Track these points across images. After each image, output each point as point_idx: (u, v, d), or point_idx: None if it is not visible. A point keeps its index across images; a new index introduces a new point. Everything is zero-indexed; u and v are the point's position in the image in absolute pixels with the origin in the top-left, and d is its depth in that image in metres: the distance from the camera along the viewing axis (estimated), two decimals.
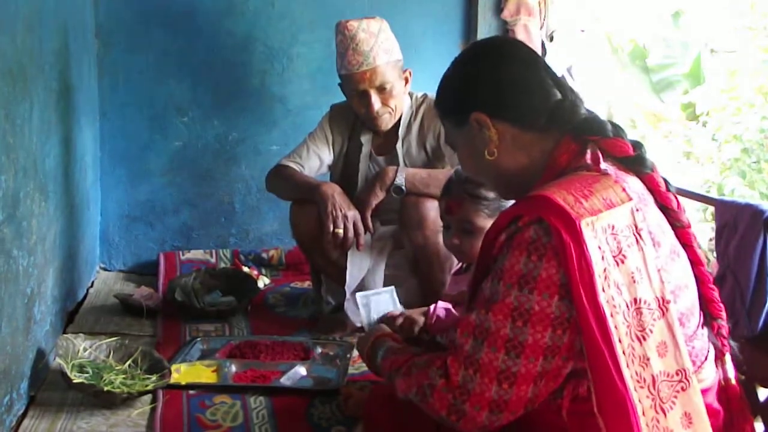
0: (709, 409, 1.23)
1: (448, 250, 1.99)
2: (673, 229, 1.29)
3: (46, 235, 2.19)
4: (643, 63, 6.17)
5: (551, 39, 3.35)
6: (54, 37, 2.37)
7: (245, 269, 3.22)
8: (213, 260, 3.34)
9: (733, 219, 2.07)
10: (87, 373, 2.05)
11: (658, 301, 1.18)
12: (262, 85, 3.35)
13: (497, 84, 1.33)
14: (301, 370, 2.24)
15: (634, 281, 1.16)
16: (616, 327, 1.13)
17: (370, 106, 2.55)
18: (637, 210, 1.21)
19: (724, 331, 1.34)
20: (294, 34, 3.33)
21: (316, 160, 2.73)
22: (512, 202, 1.91)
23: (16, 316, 1.88)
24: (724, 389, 1.33)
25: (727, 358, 1.35)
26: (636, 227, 1.19)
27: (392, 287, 2.06)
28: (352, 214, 2.47)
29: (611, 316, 1.13)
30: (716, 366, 1.33)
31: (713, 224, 2.25)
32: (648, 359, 1.16)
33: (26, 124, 1.97)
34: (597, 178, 1.23)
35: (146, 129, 3.31)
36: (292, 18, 3.31)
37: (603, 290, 1.13)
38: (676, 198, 1.32)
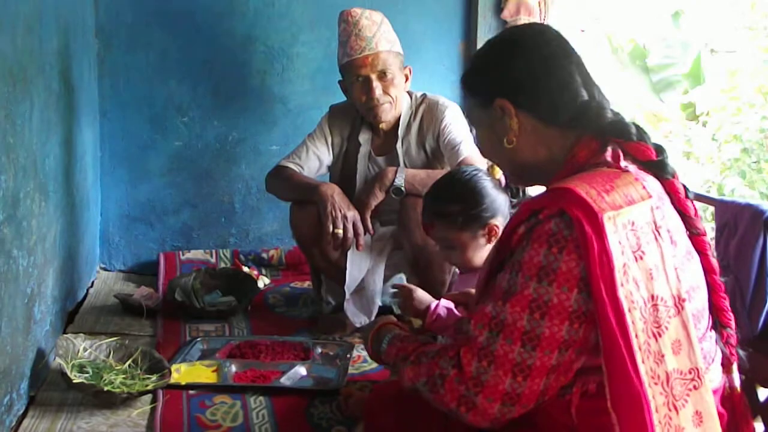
0: None
1: None
2: (689, 235, 1.30)
3: (46, 235, 2.19)
4: (643, 63, 6.16)
5: None
6: (54, 37, 2.37)
7: (245, 269, 3.22)
8: (213, 260, 3.34)
9: (733, 219, 2.07)
10: (87, 373, 2.05)
11: (674, 298, 1.19)
12: (262, 85, 3.36)
13: (527, 76, 1.32)
14: (301, 370, 2.24)
15: (652, 278, 1.17)
16: (633, 322, 1.13)
17: (371, 91, 2.54)
18: (657, 208, 1.22)
19: (733, 341, 1.34)
20: (294, 34, 3.33)
21: (316, 161, 2.73)
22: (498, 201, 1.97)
23: (16, 316, 1.88)
24: (729, 396, 1.33)
25: (734, 367, 1.35)
26: (655, 224, 1.20)
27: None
28: (352, 214, 2.47)
29: (629, 311, 1.13)
30: (723, 372, 1.33)
31: (713, 224, 2.25)
32: (663, 356, 1.16)
33: (26, 124, 1.98)
34: (618, 175, 1.23)
35: (146, 129, 3.31)
36: (292, 18, 3.32)
37: (622, 285, 1.13)
38: (693, 205, 1.32)
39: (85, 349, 2.17)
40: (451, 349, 1.25)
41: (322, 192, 2.49)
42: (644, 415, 1.13)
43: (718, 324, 1.34)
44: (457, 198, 2.01)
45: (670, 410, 1.16)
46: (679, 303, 1.19)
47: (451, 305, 1.83)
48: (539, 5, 3.30)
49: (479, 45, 3.37)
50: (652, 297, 1.16)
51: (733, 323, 1.35)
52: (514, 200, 2.13)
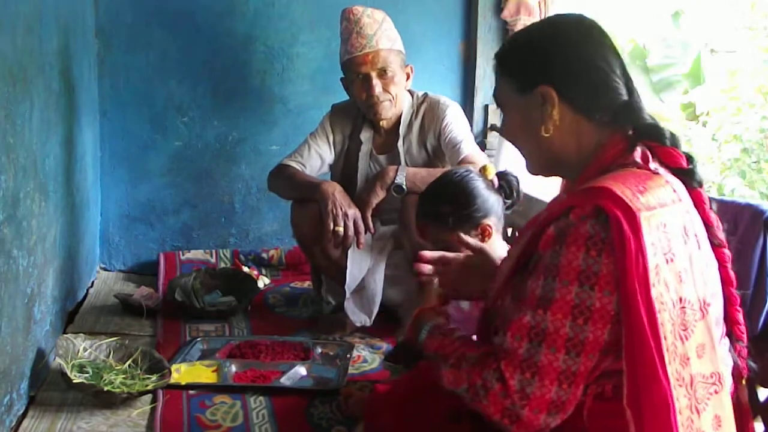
0: None
1: None
2: (711, 246, 1.30)
3: (46, 235, 2.19)
4: (643, 63, 6.17)
5: None
6: (54, 37, 2.37)
7: (245, 269, 3.22)
8: (213, 260, 3.34)
9: (733, 219, 2.07)
10: (87, 373, 2.05)
11: (700, 302, 1.19)
12: (262, 85, 3.36)
13: (577, 66, 1.29)
14: (301, 370, 2.24)
15: (681, 281, 1.16)
16: (662, 324, 1.13)
17: (371, 89, 2.55)
18: (687, 212, 1.22)
19: (744, 354, 1.34)
20: (294, 34, 3.33)
21: (318, 159, 2.73)
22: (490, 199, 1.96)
23: (16, 316, 1.88)
24: (738, 405, 1.33)
25: (743, 381, 1.35)
26: (685, 228, 1.20)
27: None
28: (353, 212, 2.47)
29: (659, 312, 1.13)
30: (732, 382, 1.33)
31: None
32: (688, 359, 1.16)
33: (26, 124, 1.97)
34: (649, 176, 1.22)
35: (146, 129, 3.31)
36: (292, 18, 3.32)
37: (654, 285, 1.13)
38: (717, 216, 1.32)
39: (85, 349, 2.17)
40: (493, 360, 1.22)
41: (323, 190, 2.49)
42: (670, 417, 1.12)
43: (732, 336, 1.34)
44: (448, 199, 2.02)
45: (692, 413, 1.16)
46: (704, 307, 1.19)
47: (462, 304, 1.82)
48: (539, 5, 3.30)
49: (479, 45, 3.42)
50: (681, 300, 1.16)
51: (745, 337, 1.35)
52: (508, 201, 2.13)
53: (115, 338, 2.34)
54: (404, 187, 2.45)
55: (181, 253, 3.35)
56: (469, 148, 2.54)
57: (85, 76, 2.94)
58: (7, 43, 1.81)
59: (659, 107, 6.03)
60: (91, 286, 3.08)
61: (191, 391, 2.11)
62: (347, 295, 2.54)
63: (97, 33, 3.18)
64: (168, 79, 3.28)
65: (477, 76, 3.44)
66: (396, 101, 2.60)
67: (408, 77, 2.66)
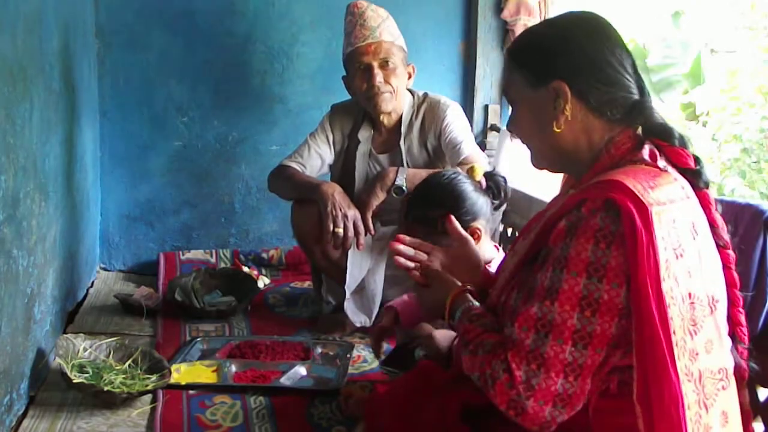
0: None
1: None
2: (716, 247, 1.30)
3: (46, 235, 2.19)
4: (643, 63, 6.16)
5: None
6: (54, 37, 2.36)
7: (245, 269, 3.22)
8: (213, 260, 3.34)
9: (733, 219, 2.07)
10: (87, 373, 2.04)
11: (709, 298, 1.19)
12: (262, 85, 3.35)
13: (592, 63, 1.29)
14: (301, 370, 2.24)
15: (690, 276, 1.17)
16: (671, 318, 1.13)
17: (372, 78, 2.56)
18: (694, 209, 1.23)
19: (746, 356, 1.35)
20: (294, 34, 3.33)
21: (318, 160, 2.74)
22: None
23: (16, 316, 1.88)
24: (739, 406, 1.33)
25: (745, 383, 1.35)
26: (693, 225, 1.21)
27: None
28: (353, 213, 2.47)
29: (669, 307, 1.13)
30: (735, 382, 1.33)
31: None
32: (697, 354, 1.16)
33: (26, 124, 1.97)
34: (658, 173, 1.23)
35: (146, 129, 3.31)
36: (292, 18, 3.32)
37: (664, 280, 1.13)
38: (722, 218, 1.32)
39: (85, 349, 2.17)
40: (501, 350, 1.22)
41: (322, 191, 2.49)
42: (679, 412, 1.13)
43: (734, 338, 1.34)
44: (436, 202, 2.01)
45: (700, 408, 1.16)
46: (712, 303, 1.20)
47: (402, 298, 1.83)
48: (539, 5, 3.31)
49: (479, 45, 3.42)
50: (690, 295, 1.17)
51: (747, 339, 1.35)
52: (496, 201, 2.13)
53: (115, 338, 2.34)
54: (405, 188, 2.45)
55: (181, 253, 3.35)
56: (469, 148, 2.55)
57: (85, 76, 2.94)
58: (7, 43, 1.81)
59: (659, 107, 6.02)
60: (91, 286, 3.08)
61: (191, 391, 2.11)
62: (347, 295, 2.54)
63: (97, 33, 3.18)
64: (168, 79, 3.28)
65: (477, 76, 3.44)
66: (396, 94, 2.60)
67: (410, 76, 2.67)
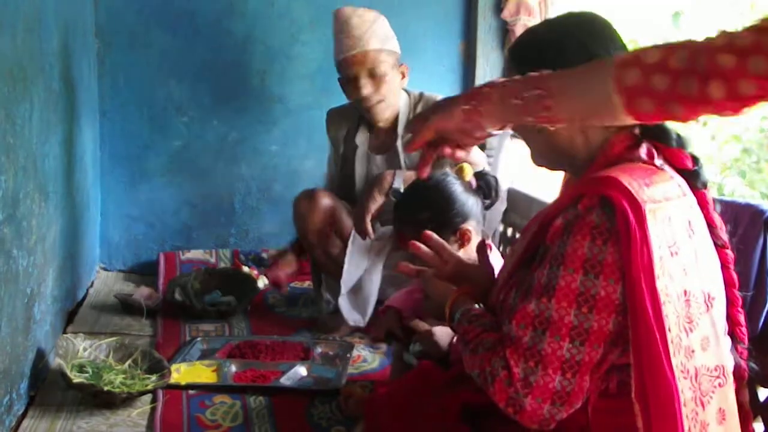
0: None
1: None
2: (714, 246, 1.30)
3: (45, 235, 2.19)
4: None
5: None
6: (54, 37, 2.36)
7: (245, 269, 3.22)
8: (213, 260, 3.34)
9: (733, 219, 2.07)
10: (87, 373, 2.04)
11: (705, 296, 1.19)
12: (262, 85, 3.35)
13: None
14: (301, 370, 2.24)
15: (686, 273, 1.17)
16: (667, 315, 1.13)
17: (358, 90, 2.56)
18: (691, 207, 1.23)
19: (745, 356, 1.35)
20: (294, 34, 3.33)
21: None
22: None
23: (16, 316, 1.88)
24: (739, 406, 1.33)
25: (744, 382, 1.35)
26: (689, 223, 1.21)
27: None
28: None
29: (663, 304, 1.13)
30: (734, 381, 1.33)
31: None
32: (693, 351, 1.16)
33: (26, 124, 1.97)
34: (655, 171, 1.23)
35: (146, 129, 3.31)
36: (291, 18, 3.32)
37: (658, 277, 1.13)
38: (720, 218, 1.32)
39: (84, 349, 2.16)
40: (500, 346, 1.23)
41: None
42: (674, 409, 1.13)
43: (733, 338, 1.34)
44: (424, 205, 2.00)
45: (697, 405, 1.16)
46: (708, 300, 1.20)
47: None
48: (539, 5, 3.30)
49: (479, 45, 3.42)
50: (686, 292, 1.17)
51: (746, 339, 1.35)
52: (487, 201, 2.12)
53: (115, 338, 2.34)
54: (402, 190, 2.45)
55: (180, 253, 3.35)
56: None
57: (85, 76, 2.94)
58: (7, 43, 1.81)
59: None
60: (91, 286, 3.08)
61: (191, 391, 2.11)
62: (342, 291, 2.55)
63: (97, 33, 3.18)
64: (168, 79, 3.28)
65: (477, 76, 3.44)
66: (389, 101, 2.60)
67: (403, 76, 2.65)
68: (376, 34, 2.56)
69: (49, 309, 2.26)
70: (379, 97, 2.57)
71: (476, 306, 1.44)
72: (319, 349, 2.41)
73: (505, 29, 3.40)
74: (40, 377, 2.11)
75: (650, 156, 1.27)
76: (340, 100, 2.81)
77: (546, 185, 2.63)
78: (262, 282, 3.17)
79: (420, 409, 1.47)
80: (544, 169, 1.44)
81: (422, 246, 1.59)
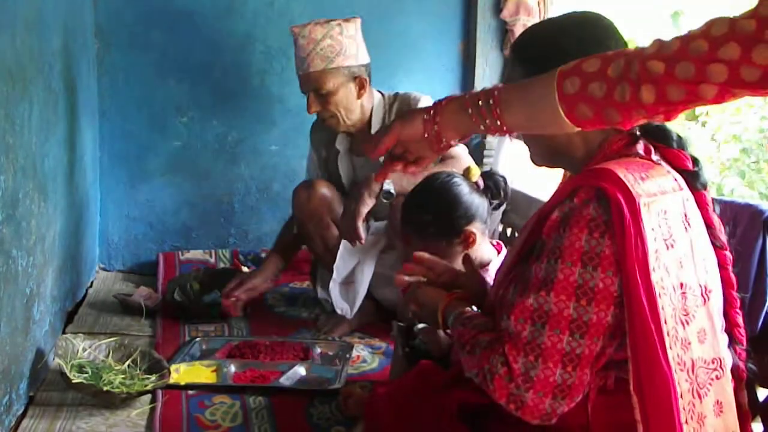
0: None
1: None
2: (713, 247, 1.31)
3: (45, 235, 2.19)
4: None
5: None
6: (54, 37, 2.36)
7: (245, 269, 3.22)
8: (212, 260, 3.34)
9: (733, 219, 2.07)
10: (86, 373, 2.04)
11: (701, 288, 1.20)
12: (262, 85, 3.36)
13: None
14: (301, 370, 2.24)
15: (682, 266, 1.18)
16: (662, 308, 1.14)
17: (308, 107, 2.61)
18: (687, 200, 1.23)
19: (743, 357, 1.35)
20: None
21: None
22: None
23: (16, 316, 1.88)
24: (737, 407, 1.33)
25: (743, 384, 1.35)
26: (686, 216, 1.21)
27: None
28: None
29: (659, 296, 1.14)
30: (732, 380, 1.33)
31: None
32: (689, 343, 1.17)
33: (26, 124, 1.97)
34: (651, 165, 1.24)
35: (146, 129, 3.31)
36: (291, 18, 3.31)
37: (654, 270, 1.14)
38: (719, 219, 1.33)
39: (84, 349, 2.16)
40: (499, 344, 1.22)
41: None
42: (671, 400, 1.13)
43: (731, 338, 1.34)
44: (429, 207, 2.00)
45: (693, 397, 1.16)
46: (705, 293, 1.20)
47: None
48: (538, 5, 3.31)
49: (479, 45, 3.43)
50: (681, 285, 1.17)
51: (745, 340, 1.35)
52: (495, 201, 2.11)
53: (115, 338, 2.33)
54: (393, 191, 2.45)
55: (180, 253, 3.35)
56: None
57: (85, 76, 2.94)
58: (7, 43, 1.81)
59: None
60: (91, 286, 3.08)
61: (190, 391, 2.11)
62: (334, 276, 2.56)
63: (96, 33, 3.18)
64: (167, 79, 3.28)
65: (476, 76, 3.44)
66: (342, 116, 2.61)
67: (362, 87, 2.62)
68: (321, 54, 2.55)
69: (48, 309, 2.26)
70: (328, 113, 2.61)
71: (468, 309, 1.44)
72: (318, 350, 2.41)
73: (504, 29, 3.41)
74: (39, 377, 2.11)
75: (647, 152, 1.28)
76: None
77: (545, 185, 2.63)
78: None
79: (420, 409, 1.47)
80: (543, 169, 1.44)
81: (415, 266, 1.61)
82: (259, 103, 3.37)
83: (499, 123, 1.18)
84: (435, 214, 1.99)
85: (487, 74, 3.44)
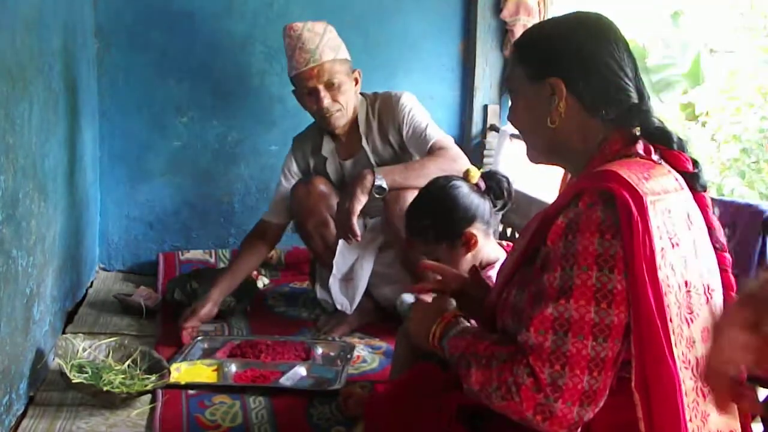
0: None
1: None
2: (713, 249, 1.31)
3: (45, 235, 2.19)
4: (643, 63, 6.17)
5: None
6: (54, 37, 2.36)
7: None
8: (212, 260, 3.34)
9: (732, 219, 2.07)
10: (86, 373, 2.04)
11: (705, 287, 1.20)
12: (262, 85, 3.36)
13: (591, 63, 1.30)
14: (301, 370, 2.24)
15: (686, 265, 1.18)
16: (668, 306, 1.14)
17: (320, 102, 2.57)
18: (688, 200, 1.24)
19: None
20: None
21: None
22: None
23: (16, 316, 1.88)
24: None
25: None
26: (688, 215, 1.22)
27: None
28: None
29: (665, 294, 1.14)
30: None
31: None
32: (694, 341, 1.17)
33: (25, 124, 1.97)
34: (652, 165, 1.24)
35: (146, 129, 3.31)
36: (290, 18, 3.29)
37: (660, 268, 1.14)
38: (719, 221, 1.33)
39: (84, 349, 2.16)
40: (521, 355, 1.20)
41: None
42: (677, 398, 1.13)
43: None
44: (427, 212, 2.01)
45: (698, 395, 1.17)
46: (708, 292, 1.21)
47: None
48: (538, 5, 3.31)
49: (479, 45, 3.43)
50: (686, 283, 1.18)
51: None
52: (499, 201, 2.11)
53: (115, 338, 2.34)
54: (385, 186, 2.45)
55: (180, 253, 3.35)
56: (434, 132, 2.57)
57: (84, 76, 2.94)
58: (7, 43, 1.81)
59: (659, 107, 6.04)
60: (91, 286, 3.08)
61: (190, 391, 2.11)
62: (334, 271, 2.56)
63: (96, 33, 3.18)
64: (167, 79, 3.28)
65: (476, 76, 3.44)
66: (346, 109, 2.62)
67: (357, 82, 2.65)
68: (328, 45, 2.58)
69: (48, 309, 2.26)
70: (337, 106, 2.60)
71: (470, 324, 1.43)
72: (320, 350, 2.41)
73: (504, 29, 3.41)
74: (39, 377, 2.11)
75: (647, 152, 1.28)
76: None
77: (545, 185, 2.63)
78: (262, 282, 3.17)
79: (420, 409, 1.47)
80: (541, 168, 1.45)
81: (425, 285, 1.65)
82: (259, 103, 3.37)
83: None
84: (434, 218, 2.00)
85: (487, 74, 3.45)
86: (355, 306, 2.58)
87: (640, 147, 1.28)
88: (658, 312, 1.13)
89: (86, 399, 2.00)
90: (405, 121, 2.60)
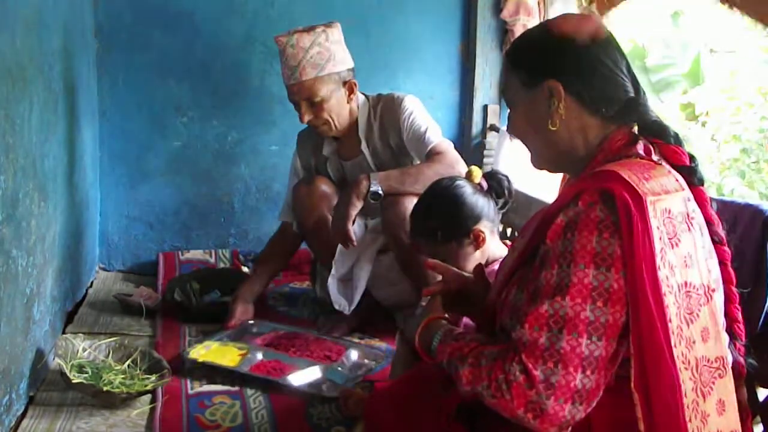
0: None
1: None
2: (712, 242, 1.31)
3: (45, 235, 2.19)
4: (643, 63, 6.17)
5: None
6: (54, 37, 2.36)
7: (245, 269, 3.22)
8: (212, 260, 3.34)
9: (733, 219, 2.07)
10: (86, 373, 2.04)
11: (705, 287, 1.20)
12: (262, 85, 3.35)
13: (586, 62, 1.31)
14: (317, 371, 2.20)
15: (686, 265, 1.18)
16: (668, 306, 1.14)
17: (301, 117, 2.60)
18: (689, 200, 1.24)
19: (743, 352, 1.35)
20: None
21: None
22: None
23: (16, 316, 1.88)
24: (739, 403, 1.33)
25: (743, 380, 1.35)
26: (688, 215, 1.22)
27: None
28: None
29: (665, 295, 1.14)
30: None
31: None
32: (693, 342, 1.17)
33: (25, 124, 1.97)
34: (653, 166, 1.25)
35: (146, 129, 3.31)
36: (291, 18, 3.31)
37: (659, 268, 1.14)
38: (717, 215, 1.33)
39: (84, 349, 2.17)
40: (513, 352, 1.19)
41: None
42: (677, 398, 1.13)
43: (731, 334, 1.35)
44: (434, 213, 2.02)
45: (697, 396, 1.17)
46: (708, 292, 1.21)
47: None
48: (538, 5, 3.31)
49: (479, 45, 3.43)
50: (686, 284, 1.18)
51: (743, 335, 1.35)
52: (501, 200, 2.13)
53: (115, 338, 2.34)
54: (380, 191, 2.44)
55: (180, 253, 3.34)
56: (435, 136, 2.56)
57: (84, 76, 2.94)
58: (6, 43, 1.81)
59: (659, 107, 6.04)
60: (91, 286, 3.08)
61: (191, 391, 2.11)
62: (333, 271, 2.56)
63: (96, 33, 3.18)
64: (167, 79, 3.28)
65: (476, 76, 3.44)
66: (334, 122, 2.61)
67: (351, 91, 2.62)
68: (311, 62, 2.54)
69: (48, 309, 2.26)
70: (320, 121, 2.59)
71: (455, 328, 1.42)
72: (354, 356, 2.36)
73: (504, 29, 3.41)
74: (39, 377, 2.11)
75: (647, 152, 1.29)
76: None
77: (546, 185, 2.63)
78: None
79: (420, 409, 1.47)
80: (544, 172, 1.44)
81: (435, 275, 1.65)
82: (259, 103, 3.37)
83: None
84: (442, 219, 2.01)
85: (487, 74, 3.45)
86: (353, 307, 2.58)
87: (640, 147, 1.29)
88: (657, 312, 1.13)
89: (86, 399, 2.00)
90: (405, 124, 2.60)
